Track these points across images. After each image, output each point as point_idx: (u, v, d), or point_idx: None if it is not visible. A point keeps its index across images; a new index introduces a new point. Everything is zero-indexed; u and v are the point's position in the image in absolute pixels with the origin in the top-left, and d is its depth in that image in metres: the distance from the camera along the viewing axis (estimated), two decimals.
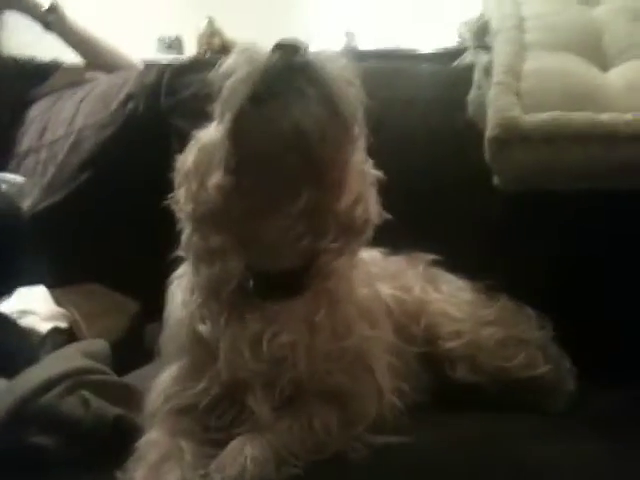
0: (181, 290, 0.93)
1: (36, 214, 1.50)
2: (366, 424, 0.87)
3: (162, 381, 0.89)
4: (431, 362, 1.05)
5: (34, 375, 0.87)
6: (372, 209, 0.90)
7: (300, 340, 0.86)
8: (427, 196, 1.34)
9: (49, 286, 1.39)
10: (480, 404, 1.01)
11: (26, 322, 1.24)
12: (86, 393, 0.87)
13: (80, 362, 0.91)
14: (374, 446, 0.85)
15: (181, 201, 0.88)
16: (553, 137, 1.12)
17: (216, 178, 0.83)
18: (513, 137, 1.13)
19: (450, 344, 1.05)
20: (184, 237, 0.88)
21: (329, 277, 0.88)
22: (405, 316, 1.05)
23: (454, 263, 1.17)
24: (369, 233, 0.91)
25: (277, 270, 0.88)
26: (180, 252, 0.91)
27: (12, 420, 0.82)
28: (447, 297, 1.11)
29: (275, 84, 0.79)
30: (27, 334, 1.21)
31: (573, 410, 1.04)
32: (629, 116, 1.10)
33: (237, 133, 0.81)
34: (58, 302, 1.36)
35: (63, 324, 1.28)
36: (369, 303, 0.96)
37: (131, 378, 1.09)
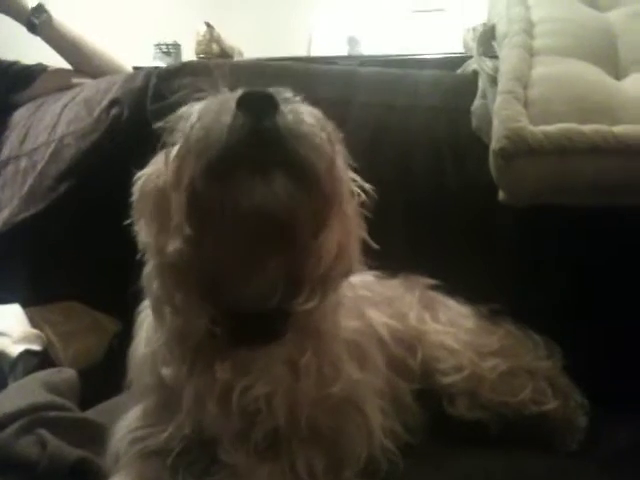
0: (147, 324, 0.84)
1: (14, 226, 1.43)
2: (355, 468, 0.79)
3: (127, 423, 0.81)
4: (428, 397, 0.97)
5: None
6: (354, 257, 0.80)
7: (278, 389, 0.76)
8: (427, 207, 1.27)
9: (25, 304, 1.31)
10: (482, 443, 0.94)
11: None
12: (43, 432, 0.78)
13: (38, 397, 0.83)
14: None
15: (141, 234, 0.78)
16: (563, 150, 1.03)
17: (174, 245, 0.72)
18: (520, 150, 1.04)
19: (449, 379, 0.96)
20: (146, 273, 0.78)
21: (310, 321, 0.79)
22: (400, 348, 0.97)
23: (454, 278, 1.10)
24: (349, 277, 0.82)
25: (250, 315, 0.78)
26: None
27: None
28: (445, 327, 1.02)
29: (237, 157, 0.68)
30: None
31: (583, 448, 0.96)
32: None
33: (193, 206, 0.71)
34: (33, 321, 1.28)
35: (36, 346, 1.19)
36: (358, 337, 0.87)
37: (103, 408, 1.03)
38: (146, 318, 0.85)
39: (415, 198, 1.27)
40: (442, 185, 1.27)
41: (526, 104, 1.08)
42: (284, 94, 0.71)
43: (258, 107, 0.68)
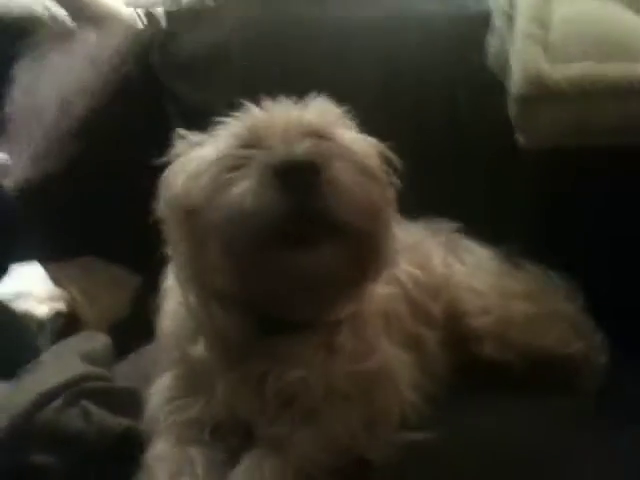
0: (172, 295, 0.84)
1: (26, 185, 1.41)
2: (389, 427, 0.81)
3: (159, 389, 0.82)
4: (455, 339, 0.98)
5: (30, 388, 0.81)
6: (391, 256, 0.80)
7: (313, 372, 0.77)
8: (443, 149, 1.26)
9: (44, 261, 1.32)
10: (506, 383, 0.94)
11: (22, 305, 1.18)
12: (87, 404, 0.80)
13: (79, 369, 0.85)
14: (397, 445, 0.78)
15: (173, 247, 0.77)
16: (585, 92, 1.01)
17: (216, 286, 0.73)
18: (541, 95, 1.02)
19: (478, 321, 0.98)
20: (177, 274, 0.78)
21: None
22: (424, 295, 0.97)
23: (470, 218, 1.10)
24: None
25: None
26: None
27: (9, 439, 0.76)
28: (471, 269, 1.03)
29: (282, 234, 0.68)
30: (24, 320, 1.14)
31: (604, 391, 0.97)
32: None
33: (237, 271, 0.71)
34: (55, 278, 1.29)
35: (61, 305, 1.21)
36: (390, 304, 0.89)
37: (132, 360, 1.06)
38: (171, 289, 0.84)
39: (430, 140, 1.26)
40: (457, 126, 1.25)
41: (545, 46, 1.05)
42: (324, 149, 0.70)
43: (300, 182, 0.67)
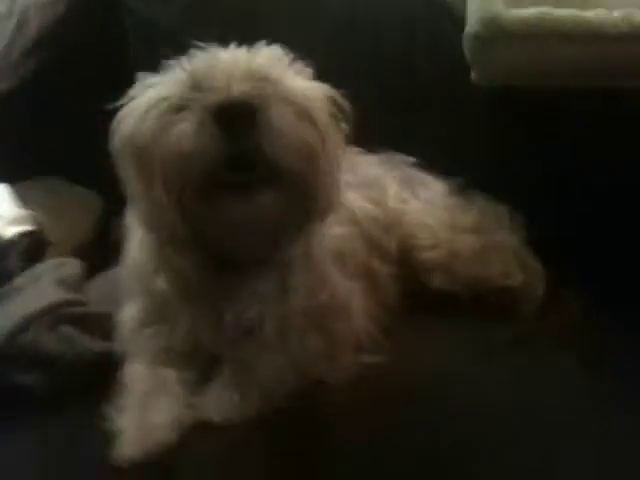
0: (137, 230, 0.87)
1: None
2: (345, 351, 0.88)
3: (128, 319, 0.88)
4: (407, 272, 1.05)
5: (13, 311, 0.85)
6: (337, 195, 0.82)
7: (268, 309, 0.83)
8: (401, 86, 1.30)
9: (8, 182, 1.33)
10: (453, 310, 1.03)
11: None
12: (66, 328, 0.86)
13: (57, 295, 0.89)
14: (352, 368, 0.86)
15: (128, 184, 0.77)
16: (537, 35, 1.06)
17: (166, 231, 0.76)
18: (495, 34, 1.06)
19: (428, 255, 1.05)
20: (135, 215, 0.81)
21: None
22: (378, 230, 1.04)
23: (426, 152, 1.16)
24: None
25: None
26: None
27: None
28: (425, 205, 1.09)
29: (220, 179, 0.71)
30: None
31: (538, 315, 1.06)
32: (617, 15, 1.04)
33: (183, 215, 0.74)
34: (20, 199, 1.30)
35: (29, 227, 1.23)
36: (341, 244, 0.93)
37: (99, 283, 1.07)
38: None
39: (388, 75, 1.29)
40: (415, 62, 1.28)
41: None
42: (263, 91, 0.72)
43: (236, 123, 0.69)
